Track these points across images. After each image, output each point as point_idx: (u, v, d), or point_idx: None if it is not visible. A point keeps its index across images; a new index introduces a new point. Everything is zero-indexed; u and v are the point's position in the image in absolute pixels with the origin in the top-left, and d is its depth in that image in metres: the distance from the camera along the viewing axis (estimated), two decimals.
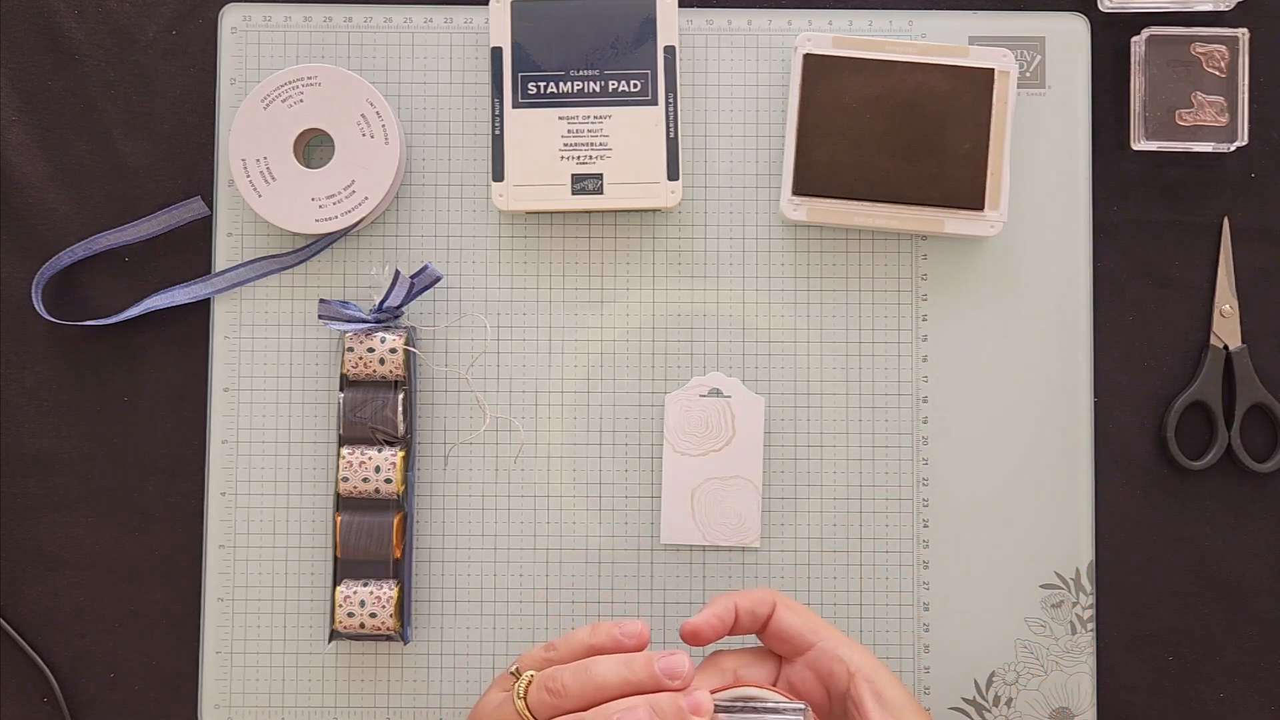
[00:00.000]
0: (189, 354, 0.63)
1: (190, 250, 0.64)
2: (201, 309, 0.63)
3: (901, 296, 0.63)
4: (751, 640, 0.54)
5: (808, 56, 0.61)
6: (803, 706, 0.49)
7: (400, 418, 0.61)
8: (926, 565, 0.63)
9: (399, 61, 0.64)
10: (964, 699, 0.62)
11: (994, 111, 0.61)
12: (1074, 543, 0.62)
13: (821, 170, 0.61)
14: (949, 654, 0.62)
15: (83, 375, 0.63)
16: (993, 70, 0.61)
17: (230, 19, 0.64)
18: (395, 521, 0.61)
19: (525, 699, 0.48)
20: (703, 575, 0.62)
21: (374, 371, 0.60)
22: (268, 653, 0.62)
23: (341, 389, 0.61)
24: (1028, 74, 0.63)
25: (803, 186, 0.61)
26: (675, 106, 0.62)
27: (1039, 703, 0.62)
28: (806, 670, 0.52)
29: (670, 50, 0.62)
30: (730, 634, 0.52)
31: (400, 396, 0.61)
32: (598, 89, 0.62)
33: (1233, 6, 0.63)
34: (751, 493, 0.62)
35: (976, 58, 0.61)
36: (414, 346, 0.62)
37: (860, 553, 0.63)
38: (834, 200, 0.61)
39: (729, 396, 0.62)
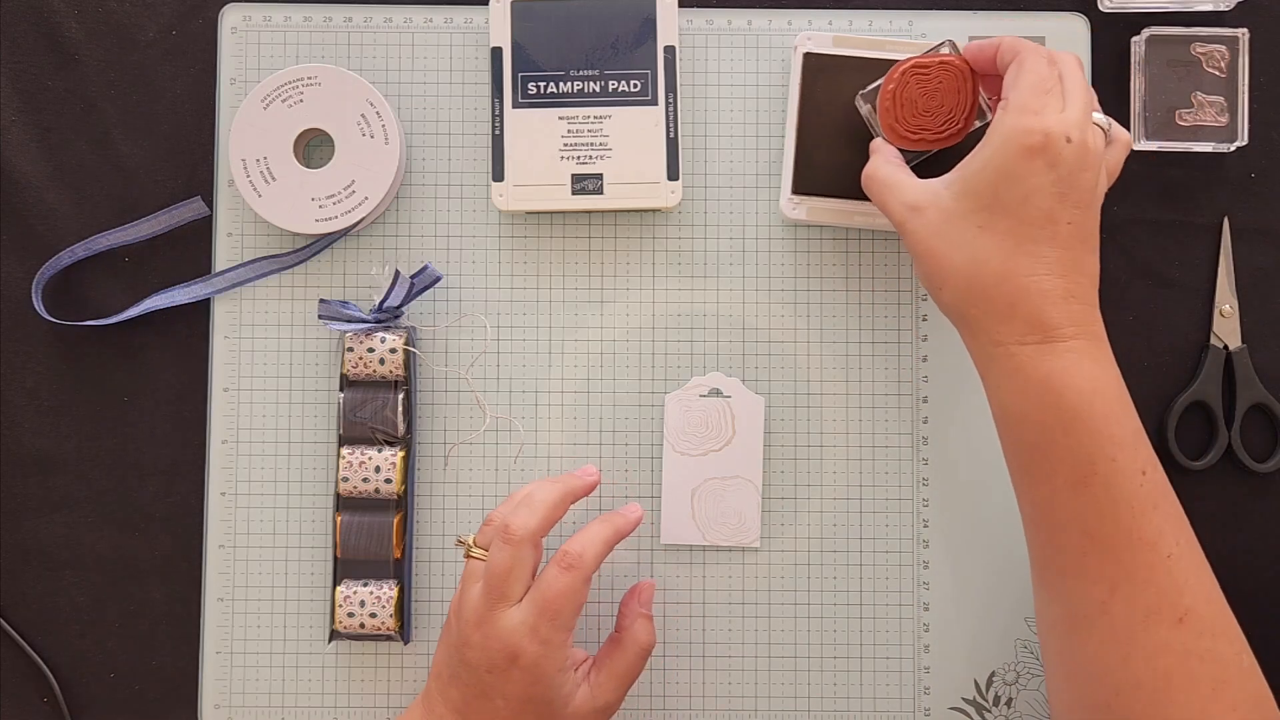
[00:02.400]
0: (189, 354, 0.63)
1: (190, 250, 0.64)
2: (201, 309, 0.63)
3: (901, 296, 0.63)
4: None
5: (808, 55, 0.61)
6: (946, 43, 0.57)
7: (400, 418, 0.61)
8: (926, 565, 0.63)
9: (399, 61, 0.64)
10: (964, 699, 0.62)
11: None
12: None
13: (821, 169, 0.61)
14: (949, 654, 0.62)
15: (83, 375, 0.63)
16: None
17: (230, 19, 0.64)
18: (395, 521, 0.61)
19: (474, 543, 0.55)
20: (703, 575, 0.62)
21: (374, 371, 0.60)
22: (268, 653, 0.62)
23: (341, 389, 0.61)
24: None
25: (803, 186, 0.61)
26: (675, 106, 0.62)
27: (1039, 703, 0.62)
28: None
29: (670, 50, 0.62)
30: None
31: (400, 396, 0.61)
32: (598, 89, 0.62)
33: (1233, 6, 0.63)
34: (751, 493, 0.62)
35: None
36: (414, 346, 0.62)
37: (860, 553, 0.63)
38: (834, 200, 0.61)
39: (729, 396, 0.62)
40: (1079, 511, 0.49)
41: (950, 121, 0.57)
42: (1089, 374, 0.50)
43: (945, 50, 0.57)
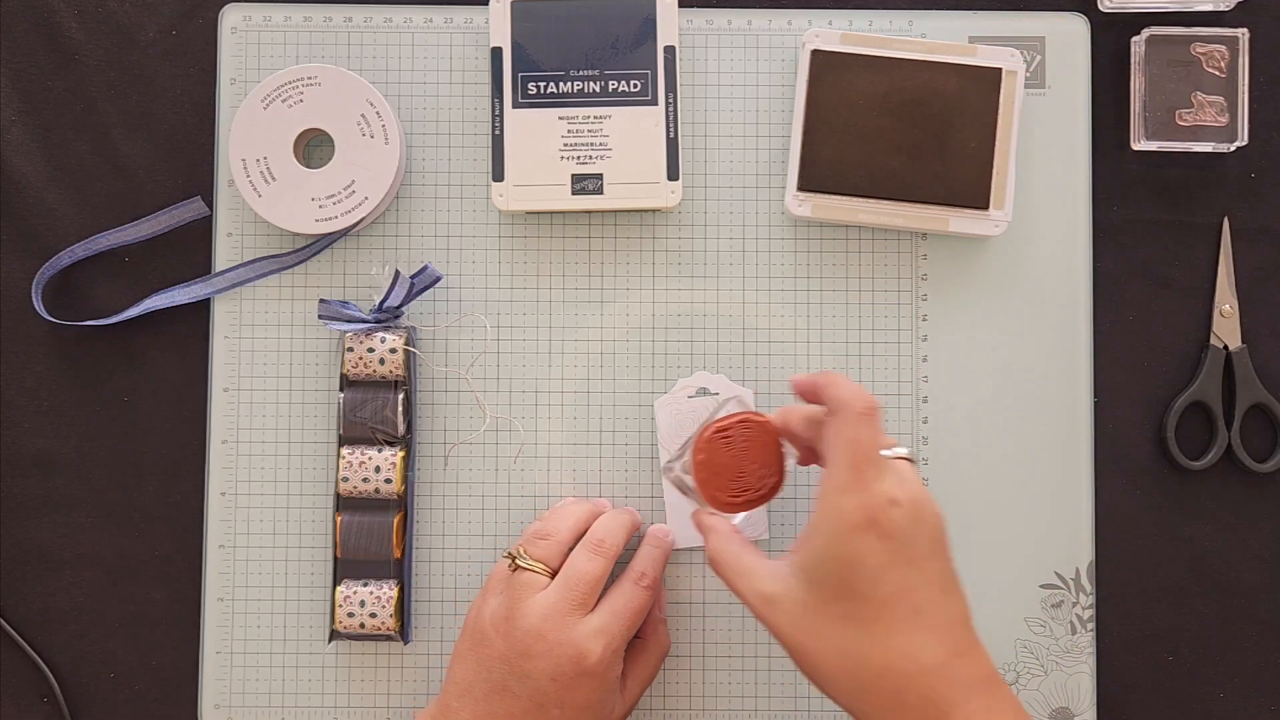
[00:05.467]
0: (189, 354, 0.63)
1: (190, 250, 0.64)
2: (201, 309, 0.63)
3: (901, 296, 0.63)
4: None
5: (816, 53, 0.61)
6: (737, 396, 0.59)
7: (400, 418, 0.61)
8: None
9: (399, 61, 0.64)
10: None
11: (1000, 111, 0.61)
12: (1074, 543, 0.62)
13: (827, 166, 0.61)
14: None
15: (83, 375, 0.63)
16: (1000, 70, 0.61)
17: (230, 19, 0.64)
18: (395, 521, 0.61)
19: (525, 554, 0.56)
20: (704, 575, 0.62)
21: (374, 371, 0.60)
22: (268, 653, 0.62)
23: (341, 389, 0.61)
24: (1028, 74, 0.63)
25: (808, 182, 0.61)
26: (675, 106, 0.62)
27: (1039, 703, 0.62)
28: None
29: (670, 50, 0.62)
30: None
31: (400, 396, 0.61)
32: (598, 89, 0.62)
33: (1233, 6, 0.63)
34: None
35: (984, 57, 0.61)
36: (414, 346, 0.62)
37: None
38: (839, 197, 0.61)
39: (717, 394, 0.62)
40: None
41: (766, 475, 0.55)
42: None
43: (732, 406, 0.57)
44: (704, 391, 0.62)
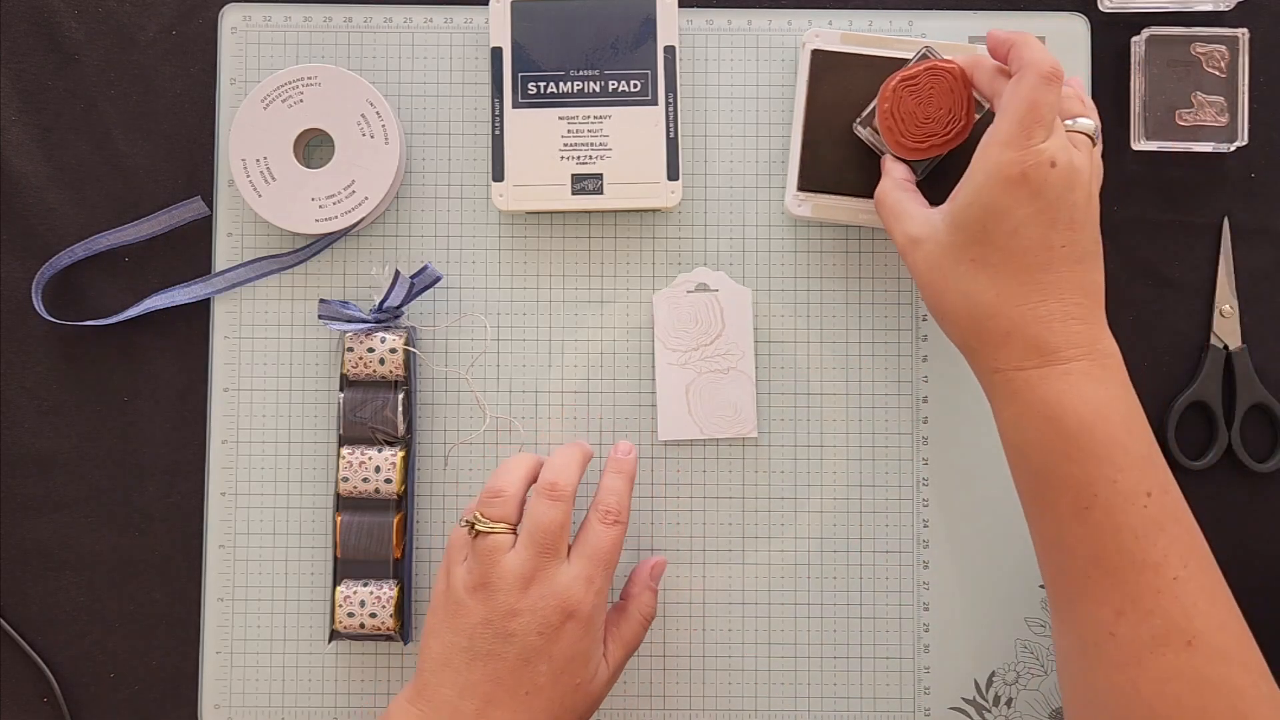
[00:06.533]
0: (189, 354, 0.63)
1: (190, 250, 0.64)
2: (201, 309, 0.63)
3: (901, 297, 0.63)
4: None
5: (816, 52, 0.61)
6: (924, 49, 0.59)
7: (400, 418, 0.61)
8: (926, 565, 0.63)
9: (399, 61, 0.64)
10: (964, 699, 0.62)
11: None
12: None
13: (827, 166, 0.61)
14: (949, 654, 0.62)
15: (83, 375, 0.63)
16: None
17: (230, 19, 0.64)
18: (395, 521, 0.61)
19: (482, 518, 0.55)
20: (703, 575, 0.62)
21: (374, 371, 0.60)
22: (268, 653, 0.62)
23: (341, 389, 0.61)
24: None
25: (808, 182, 0.61)
26: (675, 106, 0.62)
27: (1039, 703, 0.62)
28: None
29: (670, 50, 0.62)
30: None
31: (400, 396, 0.61)
32: (598, 89, 0.62)
33: (1233, 6, 0.63)
34: (745, 383, 0.62)
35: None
36: (414, 346, 0.62)
37: (860, 553, 0.63)
38: (839, 197, 0.61)
39: (716, 290, 0.62)
40: (1083, 537, 0.49)
41: (952, 122, 0.57)
42: (1089, 396, 0.49)
43: (925, 56, 0.58)
44: (703, 287, 0.62)
